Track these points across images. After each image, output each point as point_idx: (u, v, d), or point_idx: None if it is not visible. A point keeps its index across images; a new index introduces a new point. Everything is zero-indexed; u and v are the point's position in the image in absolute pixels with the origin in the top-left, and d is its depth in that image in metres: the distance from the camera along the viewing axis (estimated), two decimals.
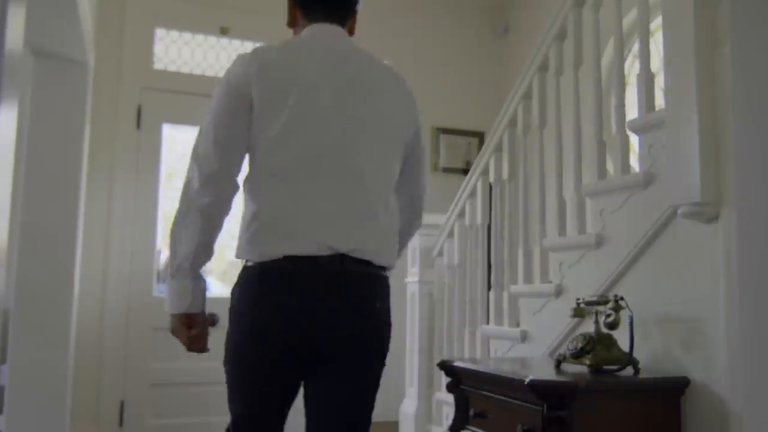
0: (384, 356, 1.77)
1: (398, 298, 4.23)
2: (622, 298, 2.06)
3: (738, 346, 1.79)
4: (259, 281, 1.67)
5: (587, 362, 2.02)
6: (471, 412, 2.25)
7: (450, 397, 2.49)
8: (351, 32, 1.93)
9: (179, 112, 4.41)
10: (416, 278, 3.85)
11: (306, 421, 1.76)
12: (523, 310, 2.88)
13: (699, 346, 1.94)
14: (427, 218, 3.72)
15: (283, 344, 1.65)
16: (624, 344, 2.02)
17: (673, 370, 2.01)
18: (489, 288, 3.21)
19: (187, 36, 4.54)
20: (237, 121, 1.71)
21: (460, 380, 2.32)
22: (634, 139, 2.39)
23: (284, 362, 1.67)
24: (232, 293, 1.73)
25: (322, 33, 1.83)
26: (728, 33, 1.86)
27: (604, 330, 2.08)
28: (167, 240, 1.78)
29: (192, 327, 1.75)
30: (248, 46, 4.57)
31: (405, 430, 3.84)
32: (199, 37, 4.56)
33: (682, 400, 1.97)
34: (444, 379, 2.72)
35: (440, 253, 3.70)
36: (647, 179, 2.19)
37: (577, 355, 2.06)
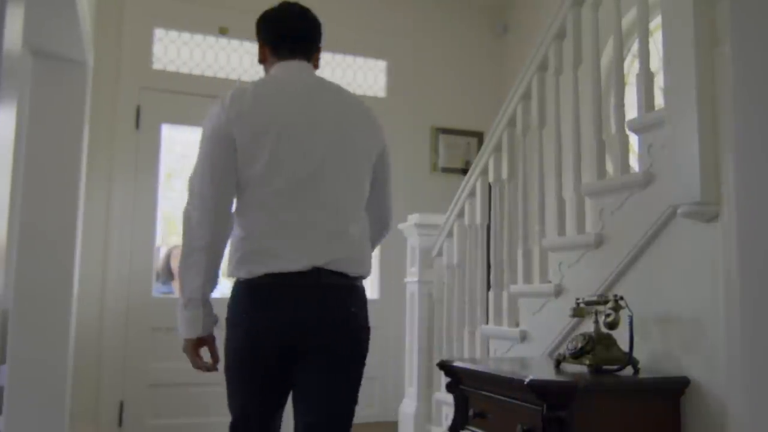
0: (363, 356, 1.99)
1: (397, 298, 4.25)
2: (621, 298, 2.05)
3: (738, 345, 1.79)
4: (248, 296, 1.90)
5: (587, 362, 2.02)
6: (470, 412, 2.25)
7: (449, 397, 2.49)
8: (316, 66, 2.15)
9: (178, 112, 4.41)
10: (415, 278, 3.85)
11: (294, 414, 1.97)
12: (522, 310, 2.88)
13: (699, 346, 1.94)
14: (427, 218, 3.79)
15: (271, 349, 1.89)
16: (624, 344, 2.02)
17: (673, 370, 2.01)
18: (488, 288, 3.21)
19: (186, 36, 4.54)
20: (226, 161, 1.91)
21: (459, 380, 2.32)
22: (633, 139, 2.39)
23: (273, 364, 1.90)
24: (229, 306, 1.96)
25: (290, 70, 2.06)
26: (728, 32, 1.85)
27: (604, 330, 2.07)
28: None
29: (201, 347, 1.99)
30: (247, 46, 4.57)
31: (404, 430, 3.84)
32: (198, 37, 4.56)
33: (681, 400, 1.97)
34: (443, 379, 2.72)
35: (439, 253, 3.70)
36: (647, 179, 2.18)
37: (577, 355, 2.06)
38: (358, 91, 4.98)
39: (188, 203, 1.93)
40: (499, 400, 2.09)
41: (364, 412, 4.58)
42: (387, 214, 2.20)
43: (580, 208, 2.61)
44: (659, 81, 2.27)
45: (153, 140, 4.36)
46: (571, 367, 2.09)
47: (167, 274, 4.66)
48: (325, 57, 4.83)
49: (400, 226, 3.99)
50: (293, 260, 1.87)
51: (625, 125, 2.37)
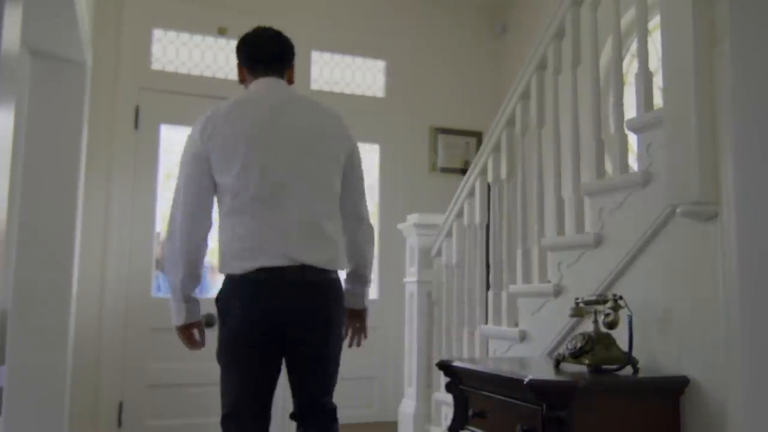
0: (339, 338, 2.33)
1: (397, 298, 4.25)
2: (621, 298, 2.05)
3: (737, 345, 1.79)
4: (242, 288, 2.17)
5: (586, 362, 2.02)
6: (470, 412, 2.25)
7: (449, 397, 2.49)
8: (290, 81, 2.43)
9: (177, 112, 4.41)
10: (415, 278, 3.85)
11: (292, 390, 2.29)
12: (521, 310, 2.88)
13: (698, 346, 1.94)
14: (426, 218, 3.79)
15: (262, 334, 2.17)
16: (623, 344, 2.02)
17: (673, 370, 2.01)
18: (488, 288, 3.21)
19: (184, 36, 4.54)
20: (202, 174, 2.20)
21: (459, 380, 2.32)
22: (632, 139, 2.39)
23: (265, 347, 2.19)
24: (220, 300, 2.23)
25: (264, 87, 2.34)
26: (727, 32, 1.85)
27: (603, 329, 2.07)
28: (166, 226, 2.29)
29: (191, 330, 2.29)
30: None
31: (404, 430, 3.84)
32: (197, 38, 4.56)
33: (681, 400, 1.97)
34: (443, 379, 2.72)
35: (439, 253, 3.70)
36: (646, 178, 2.18)
37: (576, 355, 2.06)
38: (357, 92, 4.98)
39: (173, 206, 2.25)
40: (499, 400, 2.09)
41: (363, 412, 4.63)
42: (360, 210, 2.42)
43: (579, 208, 2.61)
44: (658, 80, 2.27)
45: (152, 140, 4.36)
46: (571, 367, 2.09)
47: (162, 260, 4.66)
48: (324, 57, 4.91)
49: (399, 226, 3.99)
50: (281, 257, 2.15)
51: (624, 125, 2.37)
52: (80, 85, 3.68)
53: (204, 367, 3.94)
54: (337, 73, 4.95)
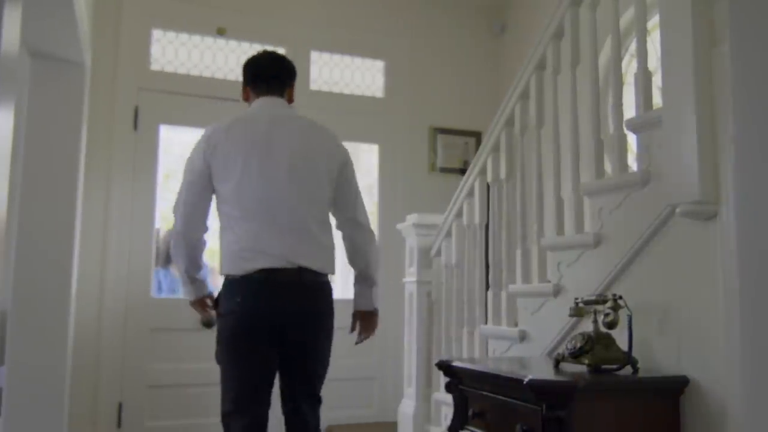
0: (330, 334, 2.51)
1: (396, 298, 4.25)
2: (620, 297, 2.06)
3: (737, 344, 1.79)
4: (242, 288, 2.37)
5: (586, 362, 2.02)
6: (470, 412, 2.25)
7: (448, 397, 2.49)
8: (290, 99, 2.66)
9: (176, 113, 4.41)
10: (414, 278, 3.85)
11: (280, 380, 2.49)
12: (521, 310, 2.88)
13: (698, 345, 1.94)
14: (425, 218, 3.79)
15: (262, 330, 2.37)
16: (623, 343, 2.02)
17: (672, 370, 2.01)
18: (487, 288, 3.21)
19: (183, 37, 4.54)
20: (202, 182, 2.45)
21: (458, 380, 2.32)
22: (631, 138, 2.39)
23: (264, 344, 2.38)
24: (220, 298, 2.45)
25: (263, 105, 2.58)
26: (726, 32, 1.85)
27: (603, 329, 2.07)
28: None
29: (204, 302, 2.58)
30: (245, 47, 4.57)
31: (404, 430, 3.84)
32: (196, 38, 4.55)
33: (681, 400, 1.97)
34: (442, 379, 2.72)
35: (438, 253, 3.70)
36: (645, 178, 2.19)
37: (576, 355, 2.06)
38: (356, 92, 4.98)
39: (174, 209, 2.51)
40: (499, 400, 2.09)
41: (363, 412, 4.63)
42: (357, 217, 2.62)
43: (579, 208, 2.61)
44: (657, 80, 2.27)
45: (151, 141, 4.35)
46: (571, 367, 2.09)
47: (165, 257, 4.65)
48: (322, 57, 4.91)
49: (399, 226, 3.98)
50: (279, 259, 2.36)
51: (624, 124, 2.38)
52: (79, 85, 3.68)
53: (203, 367, 3.94)
54: (336, 73, 4.95)
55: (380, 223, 4.75)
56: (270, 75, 2.61)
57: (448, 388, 2.37)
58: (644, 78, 2.29)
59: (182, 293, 2.64)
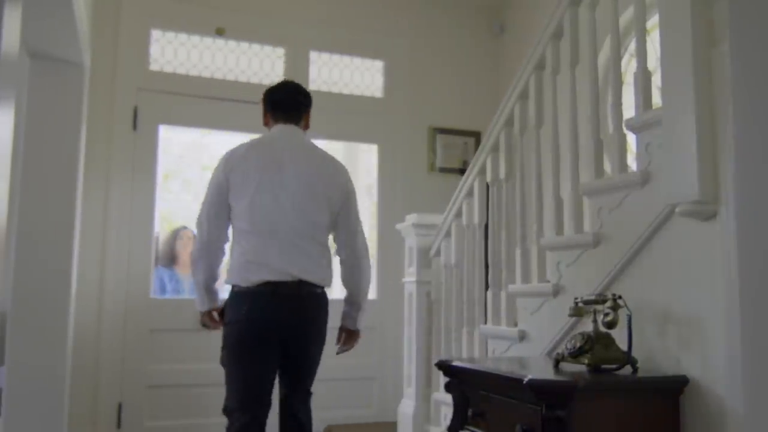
0: (324, 339, 2.80)
1: (396, 298, 4.25)
2: (620, 297, 2.06)
3: (737, 344, 1.79)
4: (248, 299, 2.64)
5: (586, 361, 2.02)
6: (469, 412, 2.25)
7: (448, 397, 2.49)
8: (306, 126, 2.94)
9: (175, 113, 4.41)
10: (414, 278, 3.85)
11: (279, 381, 2.75)
12: (521, 310, 2.88)
13: (698, 345, 1.94)
14: (424, 218, 3.79)
15: (265, 338, 2.64)
16: (622, 343, 2.02)
17: (672, 369, 2.01)
18: (487, 288, 3.21)
19: (183, 37, 4.53)
20: (221, 200, 2.73)
21: (458, 380, 2.32)
22: (631, 138, 2.39)
23: (266, 348, 2.65)
24: (226, 308, 2.71)
25: (279, 133, 2.86)
26: (726, 31, 1.85)
27: (603, 329, 2.07)
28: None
29: (212, 313, 2.80)
30: (244, 47, 4.57)
31: (403, 430, 3.84)
32: (195, 38, 4.55)
33: (681, 399, 1.97)
34: (442, 379, 2.72)
35: (438, 253, 3.70)
36: (644, 178, 2.19)
37: (576, 355, 2.06)
38: (356, 92, 4.98)
39: (197, 224, 2.77)
40: (498, 400, 2.09)
41: (362, 412, 4.63)
42: (355, 246, 2.88)
43: (578, 208, 2.61)
44: (657, 80, 2.27)
45: (150, 141, 4.35)
46: (570, 367, 2.09)
47: (170, 257, 4.66)
48: (322, 57, 4.91)
49: (398, 226, 3.99)
50: (280, 272, 2.63)
51: (623, 124, 2.38)
52: (78, 85, 3.68)
53: (203, 368, 3.95)
54: (335, 73, 4.94)
55: (380, 223, 4.75)
56: (289, 106, 2.88)
57: (448, 388, 2.36)
58: (644, 78, 2.30)
59: (196, 304, 2.80)
